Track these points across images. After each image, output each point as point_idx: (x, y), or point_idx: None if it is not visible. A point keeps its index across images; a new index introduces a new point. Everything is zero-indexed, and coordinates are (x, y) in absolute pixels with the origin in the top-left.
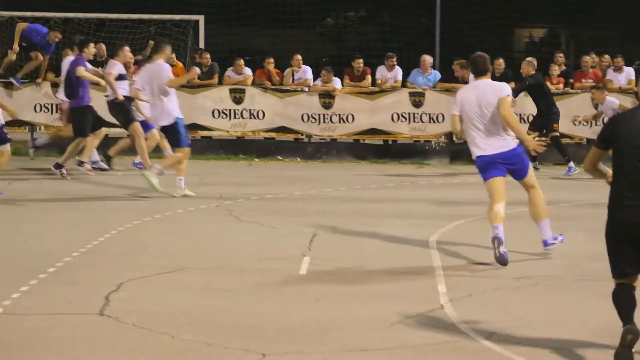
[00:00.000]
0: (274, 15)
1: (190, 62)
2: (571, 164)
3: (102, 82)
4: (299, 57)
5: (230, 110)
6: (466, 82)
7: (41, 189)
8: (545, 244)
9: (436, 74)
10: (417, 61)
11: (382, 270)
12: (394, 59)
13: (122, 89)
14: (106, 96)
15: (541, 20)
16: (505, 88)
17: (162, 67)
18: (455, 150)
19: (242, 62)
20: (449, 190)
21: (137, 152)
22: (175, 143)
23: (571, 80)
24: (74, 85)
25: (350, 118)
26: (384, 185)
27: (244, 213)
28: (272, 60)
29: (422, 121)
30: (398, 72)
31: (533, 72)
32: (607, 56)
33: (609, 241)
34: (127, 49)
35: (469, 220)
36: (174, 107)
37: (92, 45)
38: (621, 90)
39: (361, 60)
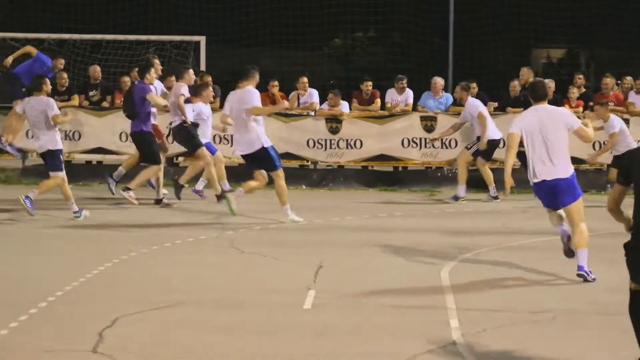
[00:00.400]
0: (278, 35)
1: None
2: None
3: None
4: (305, 79)
5: (232, 135)
6: (462, 105)
7: (33, 218)
8: (581, 268)
9: (448, 97)
10: (429, 83)
11: (391, 304)
12: (404, 82)
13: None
14: (170, 123)
15: (559, 40)
16: (570, 116)
17: (251, 93)
18: (468, 177)
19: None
20: (462, 220)
21: (205, 177)
22: (270, 168)
23: (591, 103)
24: (138, 111)
25: (358, 143)
26: (393, 214)
27: (245, 244)
28: (276, 83)
29: (434, 147)
30: (409, 95)
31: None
32: (629, 78)
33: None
34: (191, 71)
35: (482, 251)
36: (261, 134)
37: (152, 70)
38: None
39: (370, 83)
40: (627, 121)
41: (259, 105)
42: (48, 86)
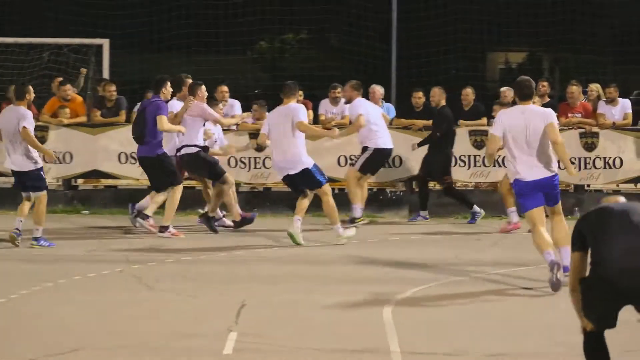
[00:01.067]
0: (195, 38)
1: (91, 95)
2: (475, 207)
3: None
4: (225, 88)
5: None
6: (348, 103)
7: None
8: (566, 269)
9: (389, 108)
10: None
11: (326, 348)
12: (339, 90)
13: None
14: (178, 150)
15: (520, 42)
16: (553, 114)
17: (297, 109)
18: (415, 201)
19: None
20: (407, 249)
21: (226, 203)
22: (315, 186)
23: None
24: (149, 131)
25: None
26: (329, 243)
27: (156, 279)
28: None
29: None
30: (345, 106)
31: (444, 102)
32: (595, 85)
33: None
34: (204, 87)
35: (432, 286)
36: (303, 153)
37: (168, 83)
38: (615, 127)
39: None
40: (595, 135)
41: (304, 120)
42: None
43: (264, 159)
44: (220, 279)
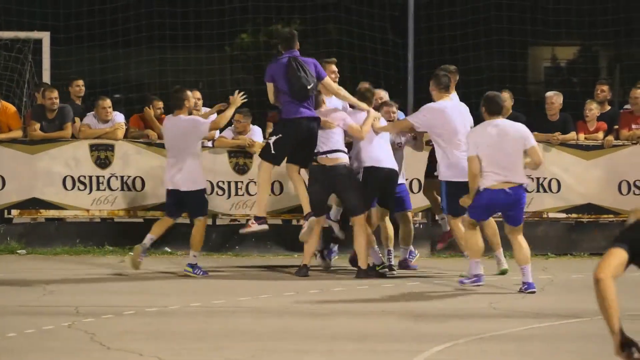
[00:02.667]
0: (160, 31)
1: (28, 103)
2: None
3: None
4: (198, 94)
5: (92, 177)
6: None
7: None
8: (530, 286)
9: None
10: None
11: None
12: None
13: None
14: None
15: (570, 34)
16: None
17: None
18: (440, 234)
19: (108, 102)
20: (428, 297)
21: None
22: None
23: (616, 127)
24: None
25: (277, 187)
26: (330, 289)
27: (112, 336)
28: (161, 104)
29: None
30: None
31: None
32: None
33: None
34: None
35: (459, 342)
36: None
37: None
38: None
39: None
40: None
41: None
42: None
43: (248, 184)
44: (192, 335)
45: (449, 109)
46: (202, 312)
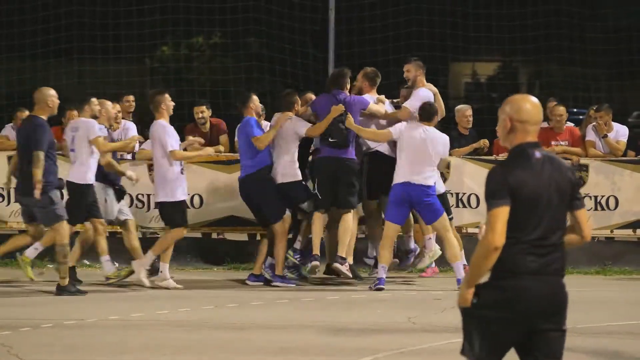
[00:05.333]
0: (78, 42)
1: None
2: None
3: None
4: (118, 106)
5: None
6: None
7: None
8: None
9: None
10: None
11: None
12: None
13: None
14: None
15: (491, 51)
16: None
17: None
18: (363, 248)
19: (26, 114)
20: (350, 312)
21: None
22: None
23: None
24: None
25: (197, 200)
26: (249, 304)
27: (29, 350)
28: (75, 113)
29: None
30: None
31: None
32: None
33: None
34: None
35: (380, 357)
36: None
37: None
38: (605, 159)
39: (203, 108)
40: (584, 167)
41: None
42: None
43: None
44: (112, 349)
45: None
46: (120, 325)
